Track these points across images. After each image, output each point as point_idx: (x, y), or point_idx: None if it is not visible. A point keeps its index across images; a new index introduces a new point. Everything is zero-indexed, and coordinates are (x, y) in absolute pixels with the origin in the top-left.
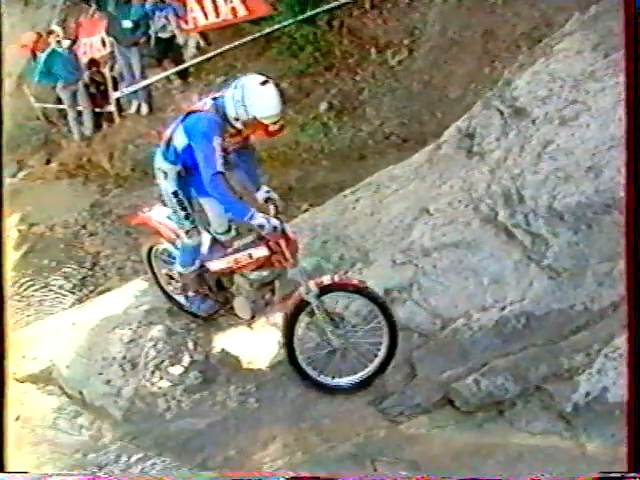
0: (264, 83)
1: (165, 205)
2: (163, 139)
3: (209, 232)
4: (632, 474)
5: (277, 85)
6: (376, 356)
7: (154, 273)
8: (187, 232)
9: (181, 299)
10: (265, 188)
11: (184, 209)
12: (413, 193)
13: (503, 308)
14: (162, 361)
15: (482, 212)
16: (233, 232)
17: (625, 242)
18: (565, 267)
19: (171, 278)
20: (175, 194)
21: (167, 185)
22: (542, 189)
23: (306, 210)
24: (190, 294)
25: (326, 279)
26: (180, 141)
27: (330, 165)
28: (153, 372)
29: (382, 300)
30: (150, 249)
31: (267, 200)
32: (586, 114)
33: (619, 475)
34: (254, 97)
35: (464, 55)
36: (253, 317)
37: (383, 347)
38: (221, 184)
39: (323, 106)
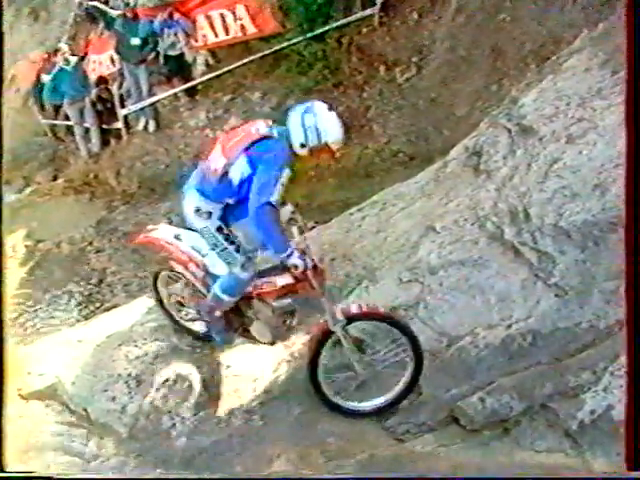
0: (330, 109)
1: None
2: (200, 175)
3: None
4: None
5: None
6: (398, 384)
7: (160, 299)
8: (242, 266)
9: (193, 326)
10: (290, 208)
11: (232, 242)
12: (419, 211)
13: (509, 326)
14: (167, 379)
15: (488, 230)
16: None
17: (625, 261)
18: (572, 285)
19: (182, 305)
20: (220, 230)
21: (210, 224)
22: (549, 207)
23: (312, 228)
24: (217, 313)
25: (354, 308)
26: (239, 174)
27: (336, 183)
28: (158, 389)
29: (411, 330)
30: (157, 274)
31: (290, 220)
32: (593, 132)
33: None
34: (327, 123)
35: (472, 73)
36: (274, 342)
37: (405, 377)
38: (269, 215)
39: None
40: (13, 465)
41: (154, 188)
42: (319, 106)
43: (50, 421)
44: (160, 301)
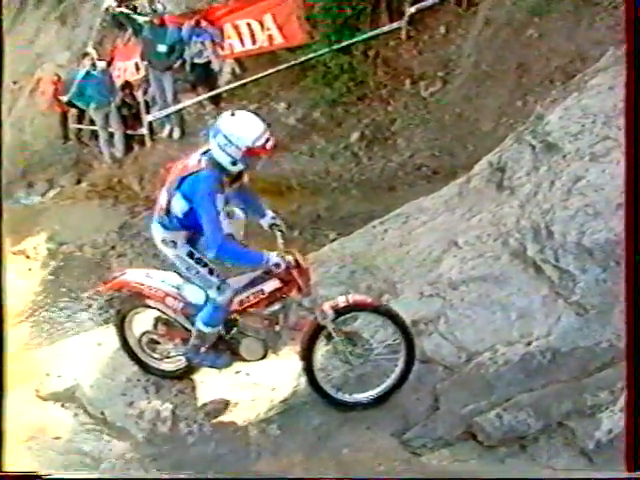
0: (233, 114)
1: (180, 275)
2: (157, 210)
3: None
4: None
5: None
6: (393, 371)
7: (126, 342)
8: (218, 288)
9: (163, 365)
10: (270, 214)
11: (205, 265)
12: (442, 225)
13: (529, 343)
14: (186, 386)
15: (511, 246)
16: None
17: (625, 286)
18: (592, 304)
19: (156, 343)
20: (191, 255)
21: (179, 251)
22: (571, 225)
23: (334, 239)
24: (203, 350)
25: (341, 301)
26: (180, 208)
27: (360, 195)
28: (176, 395)
29: (400, 318)
30: (124, 316)
31: (272, 226)
32: (617, 150)
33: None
34: (235, 130)
35: (497, 88)
36: (264, 356)
37: (400, 362)
38: (230, 246)
39: (354, 136)
40: (24, 464)
41: None
42: (222, 121)
43: (67, 423)
44: (126, 344)
